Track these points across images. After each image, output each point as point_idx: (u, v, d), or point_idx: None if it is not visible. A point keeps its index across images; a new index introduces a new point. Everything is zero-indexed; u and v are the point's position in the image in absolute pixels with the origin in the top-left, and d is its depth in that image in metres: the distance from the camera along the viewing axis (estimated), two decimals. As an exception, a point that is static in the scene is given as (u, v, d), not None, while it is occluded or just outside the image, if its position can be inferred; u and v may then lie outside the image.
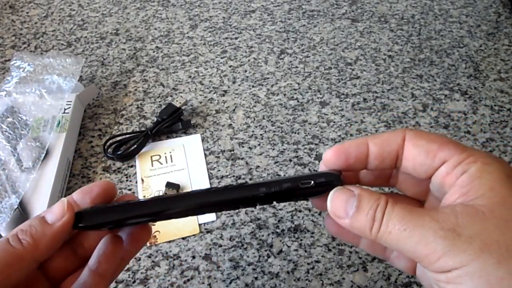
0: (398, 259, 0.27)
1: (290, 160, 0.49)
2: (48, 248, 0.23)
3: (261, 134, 0.51)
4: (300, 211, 0.44)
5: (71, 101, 0.51)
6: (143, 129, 0.52)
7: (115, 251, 0.26)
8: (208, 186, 0.47)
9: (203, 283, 0.39)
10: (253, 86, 0.57)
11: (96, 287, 0.25)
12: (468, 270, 0.19)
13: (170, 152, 0.50)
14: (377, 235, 0.21)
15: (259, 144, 0.50)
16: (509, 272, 0.19)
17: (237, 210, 0.44)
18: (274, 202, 0.24)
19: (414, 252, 0.20)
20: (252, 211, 0.44)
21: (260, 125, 0.52)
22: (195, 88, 0.57)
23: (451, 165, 0.22)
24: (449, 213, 0.20)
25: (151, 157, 0.49)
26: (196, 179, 0.47)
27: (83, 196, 0.26)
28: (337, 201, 0.23)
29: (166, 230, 0.43)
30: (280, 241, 0.42)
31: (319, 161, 0.48)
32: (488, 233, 0.19)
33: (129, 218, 0.25)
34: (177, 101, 0.53)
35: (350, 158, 0.24)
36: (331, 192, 0.23)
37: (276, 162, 0.48)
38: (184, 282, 0.39)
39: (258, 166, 0.48)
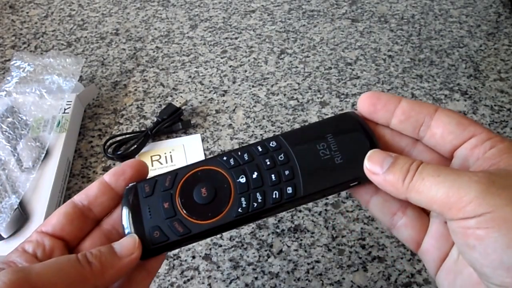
0: (405, 227, 0.26)
1: (290, 160, 0.49)
2: (112, 280, 0.23)
3: (261, 134, 0.51)
4: (300, 211, 0.44)
5: (71, 101, 0.51)
6: (143, 129, 0.52)
7: None
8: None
9: (203, 283, 0.39)
10: (253, 86, 0.57)
11: (143, 282, 0.26)
12: (500, 214, 0.19)
13: (170, 152, 0.50)
14: (409, 184, 0.22)
15: (259, 144, 0.50)
16: None
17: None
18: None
19: (446, 197, 0.20)
20: (252, 211, 0.44)
21: (260, 125, 0.52)
22: (195, 88, 0.57)
23: (481, 139, 0.23)
24: (483, 171, 0.21)
25: (151, 157, 0.49)
26: (196, 179, 0.47)
27: (116, 179, 0.26)
28: (374, 158, 0.24)
29: (166, 230, 0.43)
30: (280, 241, 0.42)
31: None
32: None
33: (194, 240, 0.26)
34: (177, 101, 0.53)
35: (380, 102, 0.26)
36: (369, 152, 0.25)
37: (276, 162, 0.48)
38: (184, 282, 0.39)
39: (258, 166, 0.48)
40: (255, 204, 0.25)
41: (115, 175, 0.26)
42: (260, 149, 0.27)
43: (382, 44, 0.63)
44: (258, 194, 0.26)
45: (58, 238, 0.25)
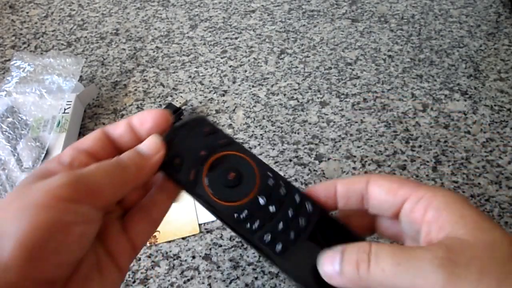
0: None
1: (290, 160, 0.49)
2: (144, 179, 0.25)
3: (261, 134, 0.51)
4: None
5: (71, 101, 0.51)
6: (143, 129, 0.52)
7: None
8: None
9: (203, 283, 0.39)
10: (253, 86, 0.57)
11: (164, 204, 0.28)
12: None
13: (170, 152, 0.49)
14: (368, 276, 0.21)
15: (259, 144, 0.50)
16: None
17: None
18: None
19: (412, 286, 0.20)
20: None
21: (260, 125, 0.52)
22: (195, 88, 0.57)
23: (413, 201, 0.23)
24: (438, 245, 0.21)
25: (151, 157, 0.49)
26: (196, 179, 0.47)
27: (141, 124, 0.26)
28: (324, 261, 0.23)
29: (166, 230, 0.43)
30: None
31: (319, 161, 0.48)
32: (481, 258, 0.20)
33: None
34: (177, 101, 0.53)
35: (321, 196, 0.27)
36: (319, 257, 0.24)
37: (276, 162, 0.48)
38: (184, 282, 0.39)
39: (258, 166, 0.48)
40: (254, 227, 0.26)
41: (141, 120, 0.27)
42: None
43: (382, 44, 0.63)
44: (266, 224, 0.26)
45: (90, 157, 0.25)
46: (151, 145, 0.25)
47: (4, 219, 0.20)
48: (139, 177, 0.24)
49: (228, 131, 0.52)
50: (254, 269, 0.40)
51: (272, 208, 0.26)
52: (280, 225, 0.26)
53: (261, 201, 0.26)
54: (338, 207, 0.27)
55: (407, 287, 0.20)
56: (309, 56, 0.61)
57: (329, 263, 0.23)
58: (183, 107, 0.53)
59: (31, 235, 0.20)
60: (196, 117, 0.29)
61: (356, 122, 0.53)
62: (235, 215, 0.26)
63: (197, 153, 0.27)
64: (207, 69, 0.60)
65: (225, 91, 0.56)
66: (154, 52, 0.63)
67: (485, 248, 0.20)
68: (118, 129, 0.27)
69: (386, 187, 0.25)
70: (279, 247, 0.25)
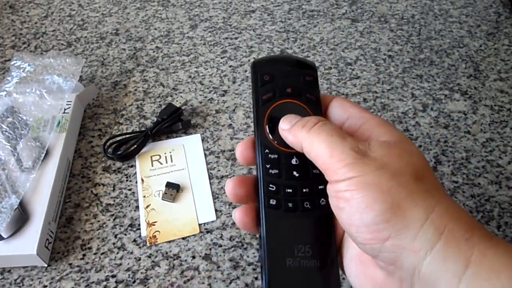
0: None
1: (290, 160, 0.49)
2: None
3: (261, 134, 0.51)
4: (300, 211, 0.44)
5: (71, 101, 0.51)
6: (143, 129, 0.52)
7: None
8: (208, 187, 0.46)
9: (203, 283, 0.39)
10: (253, 86, 0.57)
11: None
12: (365, 179, 0.23)
13: (170, 152, 0.50)
14: (306, 134, 0.26)
15: (259, 144, 0.50)
16: (398, 185, 0.23)
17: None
18: None
19: (329, 157, 0.24)
20: (252, 211, 0.44)
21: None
22: (195, 88, 0.57)
23: (355, 119, 0.28)
24: (365, 143, 0.25)
25: (151, 157, 0.49)
26: (196, 179, 0.47)
27: None
28: (286, 118, 0.28)
29: (166, 230, 0.43)
30: None
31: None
32: (389, 157, 0.24)
33: None
34: (177, 101, 0.53)
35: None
36: (283, 117, 0.28)
37: (276, 162, 0.48)
38: (184, 282, 0.39)
39: (258, 166, 0.48)
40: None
41: None
42: None
43: (382, 44, 0.63)
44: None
45: None
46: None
47: None
48: None
49: (228, 131, 0.52)
50: (254, 269, 0.40)
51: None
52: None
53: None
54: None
55: (325, 157, 0.24)
56: (309, 56, 0.61)
57: (288, 120, 0.27)
58: (183, 107, 0.53)
59: None
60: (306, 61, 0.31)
61: (356, 122, 0.53)
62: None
63: (284, 87, 0.29)
64: (207, 69, 0.60)
65: (225, 91, 0.56)
66: (154, 52, 0.63)
67: (398, 153, 0.24)
68: None
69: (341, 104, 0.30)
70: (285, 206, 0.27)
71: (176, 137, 0.51)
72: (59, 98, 0.50)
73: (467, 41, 0.64)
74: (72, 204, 0.46)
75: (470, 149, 0.50)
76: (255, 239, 0.42)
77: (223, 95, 0.56)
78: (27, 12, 0.71)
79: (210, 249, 0.42)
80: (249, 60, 0.61)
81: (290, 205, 0.27)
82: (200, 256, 0.41)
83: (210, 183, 0.47)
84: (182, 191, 0.46)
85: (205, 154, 0.50)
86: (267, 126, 0.28)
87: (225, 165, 0.48)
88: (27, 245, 0.39)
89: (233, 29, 0.66)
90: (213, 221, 0.44)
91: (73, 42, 0.65)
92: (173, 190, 0.45)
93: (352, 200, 0.23)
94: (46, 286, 0.40)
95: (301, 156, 0.27)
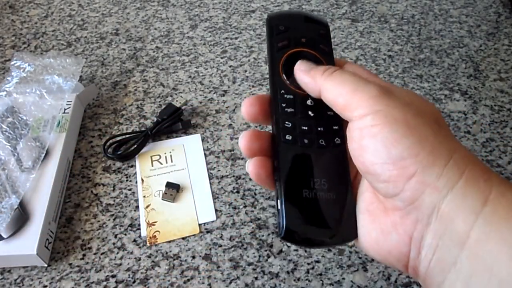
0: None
1: (290, 160, 0.49)
2: None
3: (261, 134, 0.51)
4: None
5: (71, 101, 0.51)
6: (143, 129, 0.52)
7: None
8: (208, 187, 0.46)
9: (203, 283, 0.39)
10: (253, 86, 0.57)
11: None
12: (392, 113, 0.23)
13: (170, 152, 0.50)
14: (325, 80, 0.26)
15: (259, 144, 0.50)
16: (423, 123, 0.23)
17: (236, 210, 0.44)
18: None
19: (351, 93, 0.24)
20: (252, 211, 0.44)
21: (260, 125, 0.52)
22: (195, 88, 0.57)
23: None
24: (385, 83, 0.26)
25: (151, 157, 0.49)
26: (196, 179, 0.47)
27: None
28: (303, 62, 0.28)
29: (166, 230, 0.43)
30: (280, 241, 0.42)
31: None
32: (413, 99, 0.25)
33: None
34: (177, 101, 0.53)
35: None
36: (298, 62, 0.28)
37: (276, 162, 0.48)
38: (184, 282, 0.39)
39: (258, 166, 0.48)
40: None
41: None
42: None
43: (382, 44, 0.63)
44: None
45: None
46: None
47: None
48: None
49: (228, 131, 0.52)
50: (254, 269, 0.40)
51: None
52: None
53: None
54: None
55: (345, 95, 0.24)
56: (309, 56, 0.61)
57: (306, 64, 0.28)
58: (183, 107, 0.53)
59: None
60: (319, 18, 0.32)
61: (356, 122, 0.53)
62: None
63: (298, 37, 0.30)
64: (207, 69, 0.60)
65: (225, 91, 0.56)
66: (154, 52, 0.63)
67: (421, 101, 0.25)
68: None
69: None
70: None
71: (176, 137, 0.51)
72: (59, 98, 0.50)
73: (467, 41, 0.64)
74: (72, 204, 0.46)
75: (470, 149, 0.50)
76: (255, 239, 0.42)
77: (223, 95, 0.56)
78: (27, 12, 0.71)
79: (210, 249, 0.42)
80: (249, 60, 0.61)
81: (306, 141, 0.27)
82: (200, 256, 0.41)
83: (210, 183, 0.47)
84: (182, 191, 0.46)
85: (205, 154, 0.50)
86: (282, 70, 0.29)
87: (225, 165, 0.48)
88: (27, 245, 0.39)
89: (233, 29, 0.66)
90: (213, 221, 0.44)
91: (73, 42, 0.65)
92: (173, 190, 0.45)
93: (379, 134, 0.23)
94: (46, 286, 0.40)
95: (315, 99, 0.27)
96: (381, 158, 0.23)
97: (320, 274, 0.40)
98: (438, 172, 0.22)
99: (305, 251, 0.41)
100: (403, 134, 0.22)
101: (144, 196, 0.46)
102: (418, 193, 0.22)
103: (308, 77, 0.27)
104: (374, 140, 0.23)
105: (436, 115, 0.25)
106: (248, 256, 0.41)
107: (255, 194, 0.46)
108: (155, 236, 0.42)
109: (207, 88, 0.57)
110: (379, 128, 0.23)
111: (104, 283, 0.40)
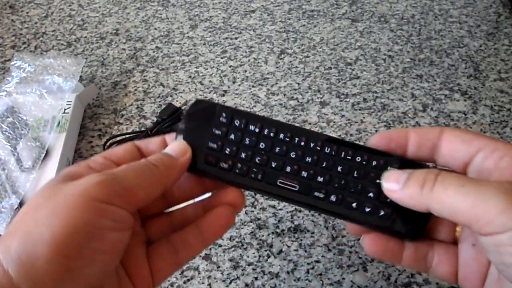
0: (441, 264, 0.26)
1: (290, 160, 0.49)
2: (174, 180, 0.25)
3: (261, 134, 0.51)
4: (300, 211, 0.44)
5: (71, 101, 0.51)
6: (143, 129, 0.52)
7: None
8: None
9: (203, 283, 0.39)
10: (253, 86, 0.57)
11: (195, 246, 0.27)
12: None
13: (170, 152, 0.49)
14: (430, 194, 0.22)
15: (259, 144, 0.50)
16: None
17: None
18: None
19: (472, 208, 0.20)
20: (252, 211, 0.44)
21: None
22: (195, 88, 0.57)
23: (488, 151, 0.23)
24: (507, 181, 0.21)
25: (151, 157, 0.49)
26: (196, 179, 0.47)
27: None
28: (390, 177, 0.25)
29: (166, 230, 0.43)
30: (280, 241, 0.42)
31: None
32: None
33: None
34: (177, 101, 0.53)
35: (392, 141, 0.26)
36: (384, 173, 0.25)
37: (276, 162, 0.48)
38: (184, 282, 0.39)
39: (258, 166, 0.48)
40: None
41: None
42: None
43: (382, 44, 0.63)
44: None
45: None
46: (177, 148, 0.26)
47: (35, 224, 0.19)
48: (169, 177, 0.24)
49: (228, 131, 0.52)
50: (254, 269, 0.40)
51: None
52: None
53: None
54: (408, 153, 0.27)
55: (465, 209, 0.20)
56: (309, 56, 0.61)
57: (394, 179, 0.24)
58: (183, 107, 0.53)
59: (67, 240, 0.19)
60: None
61: (356, 122, 0.53)
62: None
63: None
64: (207, 69, 0.60)
65: (225, 91, 0.56)
66: (154, 52, 0.63)
67: None
68: (151, 144, 0.27)
69: (461, 137, 0.25)
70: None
71: (176, 137, 0.51)
72: (59, 98, 0.50)
73: (467, 41, 0.64)
74: (72, 204, 0.45)
75: (470, 149, 0.50)
76: (255, 239, 0.42)
77: (223, 95, 0.56)
78: (27, 12, 0.71)
79: (210, 249, 0.42)
80: (249, 60, 0.61)
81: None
82: (200, 256, 0.41)
83: (210, 183, 0.47)
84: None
85: (205, 154, 0.50)
86: None
87: (225, 165, 0.48)
88: (27, 245, 0.39)
89: (233, 29, 0.66)
90: (213, 221, 0.44)
91: (73, 42, 0.65)
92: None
93: None
94: (46, 286, 0.40)
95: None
96: None
97: (320, 274, 0.40)
98: None
99: (305, 251, 0.41)
100: None
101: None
102: None
103: (405, 196, 0.23)
104: None
105: None
106: (248, 256, 0.41)
107: (255, 194, 0.46)
108: (155, 236, 0.42)
109: (207, 88, 0.57)
110: None
111: (104, 283, 0.40)
